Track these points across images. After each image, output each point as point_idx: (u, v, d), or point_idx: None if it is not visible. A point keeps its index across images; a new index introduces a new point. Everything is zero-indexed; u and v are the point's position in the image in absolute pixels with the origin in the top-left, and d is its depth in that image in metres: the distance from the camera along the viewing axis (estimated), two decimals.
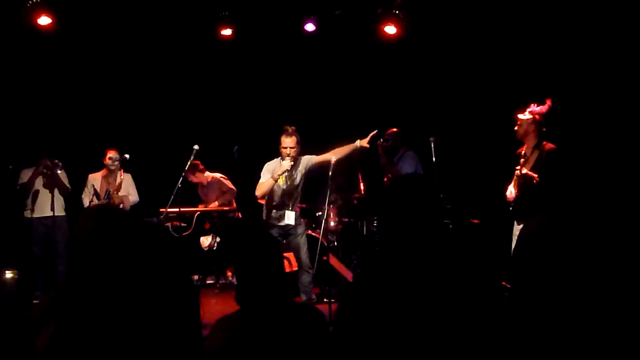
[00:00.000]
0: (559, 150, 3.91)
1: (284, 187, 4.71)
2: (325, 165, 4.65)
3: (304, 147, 4.74)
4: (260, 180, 4.70)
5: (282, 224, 4.74)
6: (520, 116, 4.09)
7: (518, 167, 3.98)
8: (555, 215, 1.81)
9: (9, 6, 5.33)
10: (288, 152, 4.54)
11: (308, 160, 4.76)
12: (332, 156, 4.60)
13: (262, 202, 4.89)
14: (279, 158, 4.68)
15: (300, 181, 4.77)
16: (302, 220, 4.94)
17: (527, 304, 1.64)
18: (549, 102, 4.07)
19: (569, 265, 1.73)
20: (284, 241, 4.79)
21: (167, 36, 6.14)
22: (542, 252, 1.87)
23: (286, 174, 4.62)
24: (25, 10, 5.34)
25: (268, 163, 4.76)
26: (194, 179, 5.87)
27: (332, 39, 6.41)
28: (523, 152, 4.13)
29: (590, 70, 4.99)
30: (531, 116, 4.04)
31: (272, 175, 4.61)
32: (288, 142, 4.54)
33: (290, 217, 4.72)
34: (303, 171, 4.74)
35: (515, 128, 4.11)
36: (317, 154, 4.78)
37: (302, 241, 4.77)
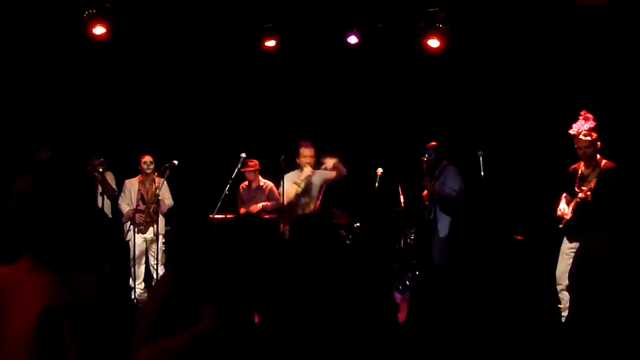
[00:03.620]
0: (619, 168, 3.83)
1: (301, 196, 5.13)
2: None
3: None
4: (285, 189, 5.12)
5: None
6: (582, 138, 3.98)
7: (583, 189, 3.88)
8: (618, 234, 1.78)
9: (67, 17, 5.58)
10: (308, 161, 5.12)
11: (321, 174, 5.24)
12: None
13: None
14: (298, 170, 5.19)
15: (315, 192, 5.21)
16: None
17: (590, 325, 1.62)
18: (586, 114, 4.00)
19: (632, 284, 1.70)
20: None
21: (214, 47, 6.30)
22: (605, 272, 1.84)
23: (303, 184, 5.08)
24: (81, 21, 5.58)
25: (287, 175, 5.17)
26: (250, 176, 5.94)
27: (374, 52, 6.46)
28: (580, 170, 4.06)
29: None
30: (591, 137, 3.96)
31: (294, 181, 5.08)
32: (308, 153, 5.15)
33: None
34: (318, 183, 5.21)
35: (581, 153, 4.00)
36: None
37: None
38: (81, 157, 5.58)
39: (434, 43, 5.95)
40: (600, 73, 5.16)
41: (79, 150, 5.74)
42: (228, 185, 4.80)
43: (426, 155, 5.47)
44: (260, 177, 6.05)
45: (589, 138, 3.97)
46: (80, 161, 5.54)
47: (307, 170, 5.08)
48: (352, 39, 6.22)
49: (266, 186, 6.06)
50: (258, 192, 6.08)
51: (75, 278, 1.46)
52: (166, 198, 5.77)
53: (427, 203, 5.68)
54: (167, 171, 5.51)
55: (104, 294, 1.45)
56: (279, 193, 5.55)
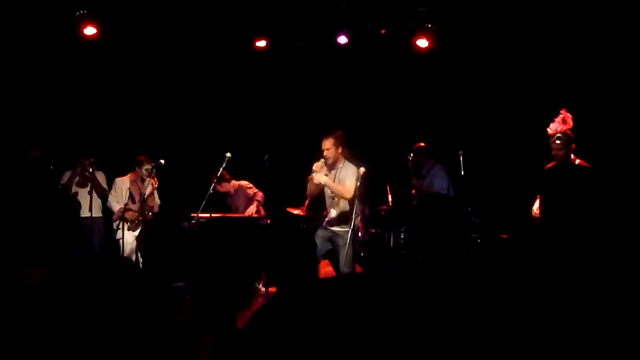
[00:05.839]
0: (593, 168, 3.83)
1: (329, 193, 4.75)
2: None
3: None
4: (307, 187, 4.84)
5: (327, 225, 4.78)
6: (556, 142, 3.96)
7: None
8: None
9: (58, 18, 5.66)
10: (324, 155, 4.67)
11: (350, 169, 4.69)
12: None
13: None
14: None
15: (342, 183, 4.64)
16: (345, 228, 4.68)
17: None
18: (566, 114, 3.98)
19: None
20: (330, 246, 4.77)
21: (203, 47, 6.36)
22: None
23: (325, 173, 4.66)
24: (72, 22, 5.66)
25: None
26: (221, 188, 5.98)
27: (364, 52, 6.49)
28: None
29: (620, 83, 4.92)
30: (565, 140, 3.95)
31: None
32: (325, 144, 4.67)
33: (332, 213, 4.74)
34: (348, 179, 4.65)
35: (553, 154, 3.98)
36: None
37: (342, 250, 4.64)
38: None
39: (422, 43, 5.98)
40: (579, 74, 5.18)
41: (69, 150, 5.82)
42: (213, 185, 4.83)
43: (412, 155, 5.50)
44: (232, 182, 6.12)
45: (561, 142, 3.95)
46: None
47: (316, 166, 4.59)
48: (342, 39, 6.26)
49: (240, 187, 6.12)
50: (238, 197, 6.16)
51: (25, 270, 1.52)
52: (156, 198, 5.77)
53: (415, 202, 5.71)
54: (154, 170, 5.55)
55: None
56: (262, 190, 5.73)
